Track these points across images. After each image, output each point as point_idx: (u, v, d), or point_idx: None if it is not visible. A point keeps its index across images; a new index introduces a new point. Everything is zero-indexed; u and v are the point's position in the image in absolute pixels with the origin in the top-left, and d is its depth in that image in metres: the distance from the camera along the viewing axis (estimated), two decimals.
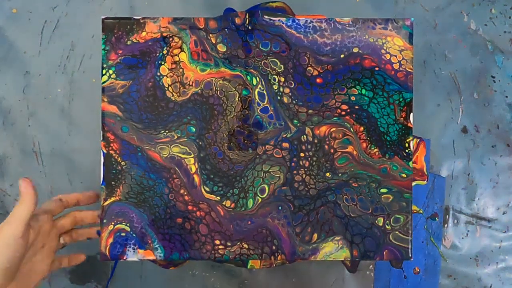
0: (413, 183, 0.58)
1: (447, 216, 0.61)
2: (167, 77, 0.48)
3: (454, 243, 0.62)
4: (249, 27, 0.48)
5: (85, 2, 0.63)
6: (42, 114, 0.63)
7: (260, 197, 0.48)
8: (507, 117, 0.62)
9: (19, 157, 0.63)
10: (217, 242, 0.48)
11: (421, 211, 0.61)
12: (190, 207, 0.48)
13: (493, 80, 0.62)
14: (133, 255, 0.48)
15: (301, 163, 0.48)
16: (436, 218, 0.61)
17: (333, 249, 0.48)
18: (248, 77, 0.48)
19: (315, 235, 0.48)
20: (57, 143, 0.63)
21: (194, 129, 0.48)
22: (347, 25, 0.48)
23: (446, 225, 0.61)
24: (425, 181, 0.60)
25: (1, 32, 0.63)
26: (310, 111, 0.48)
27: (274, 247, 0.48)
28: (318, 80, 0.48)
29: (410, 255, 0.48)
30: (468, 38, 0.62)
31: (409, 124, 0.48)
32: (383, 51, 0.48)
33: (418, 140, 0.58)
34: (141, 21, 0.48)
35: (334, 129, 0.48)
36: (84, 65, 0.63)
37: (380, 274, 0.61)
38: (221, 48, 0.48)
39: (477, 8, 0.62)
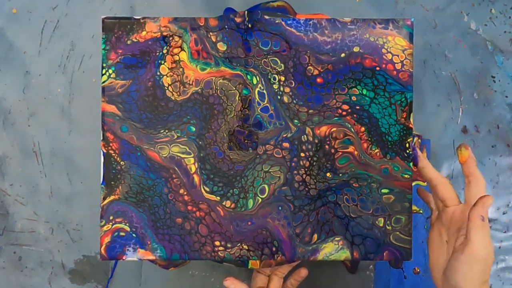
0: (414, 183, 0.58)
1: None
2: (167, 76, 0.48)
3: None
4: (249, 25, 0.48)
5: (85, 2, 0.63)
6: (42, 114, 0.63)
7: (260, 197, 0.48)
8: (507, 117, 0.62)
9: (19, 157, 0.63)
10: (217, 243, 0.48)
11: (421, 211, 0.61)
12: (190, 207, 0.48)
13: (493, 80, 0.62)
14: (132, 255, 0.48)
15: (301, 163, 0.48)
16: None
17: (333, 250, 0.48)
18: (248, 76, 0.48)
19: (315, 236, 0.48)
20: (57, 143, 0.63)
21: (194, 129, 0.48)
22: (347, 24, 0.48)
23: None
24: (425, 183, 0.60)
25: (1, 32, 0.63)
26: (310, 111, 0.48)
27: (274, 249, 0.48)
28: (318, 80, 0.48)
29: (410, 256, 0.48)
30: (468, 38, 0.62)
31: (410, 125, 0.48)
32: (384, 50, 0.48)
33: (420, 141, 0.58)
34: (141, 20, 0.48)
35: (334, 129, 0.48)
36: (84, 65, 0.63)
37: (380, 274, 0.61)
38: (221, 47, 0.48)
39: (477, 8, 0.62)
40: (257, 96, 0.48)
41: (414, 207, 0.60)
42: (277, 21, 0.48)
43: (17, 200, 0.63)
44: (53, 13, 0.63)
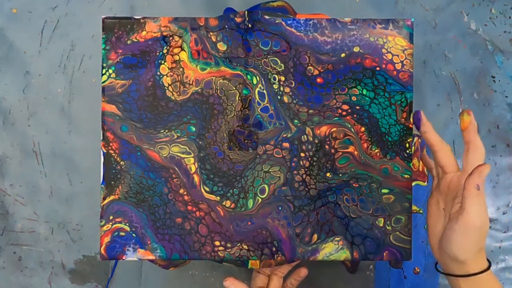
0: (413, 183, 0.58)
1: None
2: (167, 76, 0.48)
3: None
4: (249, 25, 0.48)
5: (85, 2, 0.63)
6: (42, 114, 0.63)
7: (260, 197, 0.48)
8: (507, 117, 0.62)
9: (19, 157, 0.63)
10: (217, 243, 0.48)
11: (421, 211, 0.61)
12: (189, 207, 0.48)
13: (493, 80, 0.62)
14: (132, 255, 0.48)
15: (301, 163, 0.48)
16: None
17: (333, 250, 0.48)
18: (248, 76, 0.48)
19: (315, 236, 0.48)
20: (57, 143, 0.63)
21: (194, 129, 0.48)
22: (347, 24, 0.48)
23: None
24: (425, 183, 0.60)
25: (1, 32, 0.63)
26: (310, 111, 0.48)
27: (274, 249, 0.48)
28: (318, 80, 0.48)
29: (410, 256, 0.48)
30: (468, 38, 0.62)
31: (410, 125, 0.48)
32: (384, 50, 0.48)
33: (420, 141, 0.58)
34: (142, 20, 0.48)
35: (334, 129, 0.48)
36: (84, 65, 0.63)
37: (380, 274, 0.61)
38: (221, 47, 0.48)
39: (477, 8, 0.62)
40: (257, 96, 0.48)
41: (414, 207, 0.60)
42: (277, 21, 0.48)
43: (17, 200, 0.63)
44: (53, 13, 0.63)
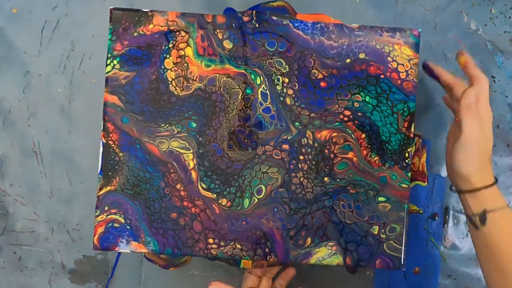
0: (413, 183, 0.57)
1: (447, 216, 0.61)
2: (171, 71, 0.48)
3: (454, 243, 0.61)
4: (256, 25, 0.48)
5: (85, 2, 0.63)
6: (42, 114, 0.63)
7: (256, 198, 0.48)
8: (507, 117, 0.62)
9: (19, 157, 0.63)
10: (211, 240, 0.48)
11: (421, 211, 0.61)
12: (185, 203, 0.48)
13: (493, 80, 0.62)
14: (125, 247, 0.48)
15: (300, 165, 0.48)
16: (436, 218, 0.61)
17: (326, 255, 0.48)
18: (252, 76, 0.48)
19: (309, 239, 0.48)
20: (57, 143, 0.63)
21: (194, 125, 0.48)
22: (355, 30, 0.48)
23: (446, 225, 0.61)
24: (425, 183, 0.60)
25: (1, 32, 0.63)
26: (312, 114, 0.48)
27: (267, 250, 0.48)
28: (322, 84, 0.48)
29: (402, 265, 0.48)
30: (468, 38, 0.62)
31: (411, 135, 0.48)
32: (389, 58, 0.48)
33: (421, 141, 0.58)
34: (149, 13, 0.48)
35: (335, 134, 0.48)
36: (84, 65, 0.63)
37: (380, 274, 0.61)
38: (227, 44, 0.48)
39: (477, 8, 0.62)
40: (259, 96, 0.48)
41: (414, 207, 0.60)
42: (284, 22, 0.48)
43: (17, 200, 0.63)
44: (53, 13, 0.63)
